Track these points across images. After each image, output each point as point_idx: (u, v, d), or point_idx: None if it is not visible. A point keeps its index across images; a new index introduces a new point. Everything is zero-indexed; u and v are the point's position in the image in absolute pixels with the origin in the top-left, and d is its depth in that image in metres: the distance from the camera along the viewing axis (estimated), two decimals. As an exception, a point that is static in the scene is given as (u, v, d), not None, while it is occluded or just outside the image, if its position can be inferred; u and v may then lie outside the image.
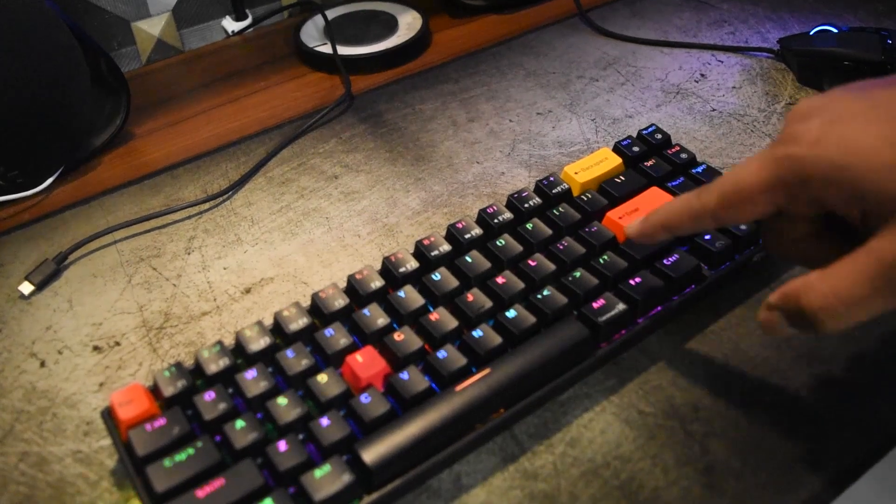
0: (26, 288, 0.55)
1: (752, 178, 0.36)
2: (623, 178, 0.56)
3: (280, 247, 0.58)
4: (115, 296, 0.55)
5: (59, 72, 0.62)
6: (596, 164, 0.57)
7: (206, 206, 0.62)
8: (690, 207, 0.40)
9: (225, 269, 0.56)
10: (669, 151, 0.59)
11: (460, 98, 0.74)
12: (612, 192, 0.55)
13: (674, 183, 0.56)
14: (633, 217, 0.52)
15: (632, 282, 0.48)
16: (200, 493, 0.38)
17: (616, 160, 0.58)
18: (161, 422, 0.41)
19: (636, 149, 0.59)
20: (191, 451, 0.40)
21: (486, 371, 0.43)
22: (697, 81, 0.74)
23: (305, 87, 0.78)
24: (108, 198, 0.64)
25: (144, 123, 0.73)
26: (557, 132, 0.69)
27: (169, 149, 0.70)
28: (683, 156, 0.58)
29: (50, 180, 0.65)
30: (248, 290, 0.54)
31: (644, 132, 0.60)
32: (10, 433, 0.46)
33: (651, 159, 0.58)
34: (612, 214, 0.53)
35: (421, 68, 0.79)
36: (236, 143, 0.70)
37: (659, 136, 0.60)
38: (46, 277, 0.56)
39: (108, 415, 0.43)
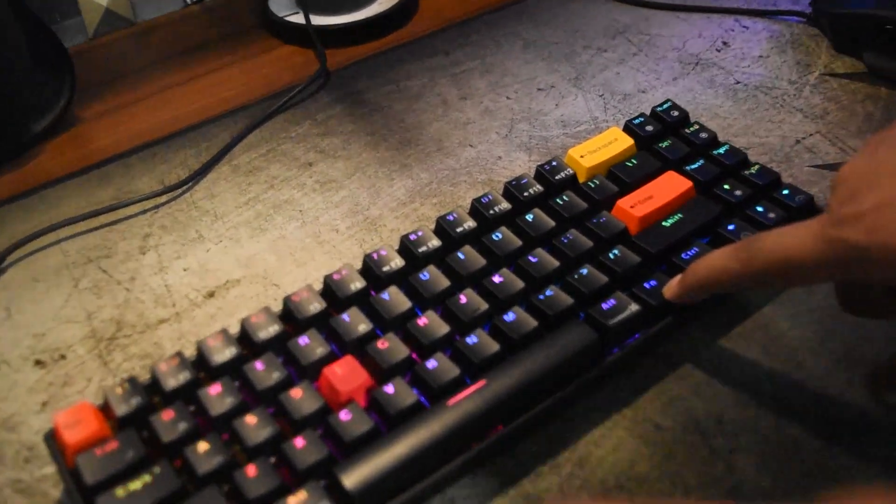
0: (-42, 295, 0.55)
1: (805, 254, 0.37)
2: (635, 162, 0.56)
3: (247, 244, 0.58)
4: (59, 302, 0.54)
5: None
6: (604, 146, 0.57)
7: (163, 198, 0.62)
8: (731, 271, 0.41)
9: (185, 270, 0.56)
10: (687, 130, 0.59)
11: (451, 73, 0.74)
12: (622, 177, 0.55)
13: (692, 166, 0.56)
14: (646, 206, 0.52)
15: (647, 285, 0.48)
16: (159, 525, 0.38)
17: (627, 141, 0.58)
18: (113, 445, 0.41)
19: (650, 128, 0.59)
20: (147, 477, 0.39)
21: (481, 383, 0.43)
22: (719, 50, 0.74)
23: (275, 62, 0.78)
24: (50, 190, 0.64)
25: (92, 105, 0.73)
26: (561, 110, 0.68)
27: (120, 134, 0.69)
28: (703, 135, 0.58)
29: (-16, 172, 0.65)
30: (211, 294, 0.54)
31: (658, 109, 0.60)
32: (-58, 460, 0.46)
33: (667, 140, 0.58)
34: (623, 203, 0.53)
35: (406, 40, 0.79)
36: (197, 126, 0.69)
37: (675, 113, 0.60)
38: (-19, 282, 0.56)
39: (52, 438, 0.43)
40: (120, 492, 0.39)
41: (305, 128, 0.68)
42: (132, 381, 0.43)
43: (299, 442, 0.41)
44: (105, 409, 0.43)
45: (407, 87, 0.73)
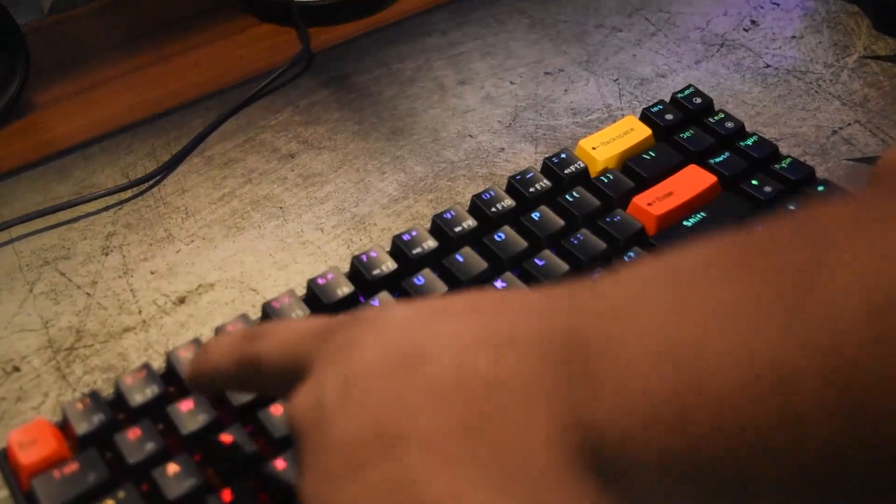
0: None
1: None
2: (653, 154, 0.57)
3: (222, 245, 0.58)
4: (12, 308, 0.55)
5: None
6: (619, 137, 0.58)
7: (128, 193, 0.62)
8: (227, 373, 0.39)
9: (152, 273, 0.57)
10: (712, 120, 0.59)
11: (448, 54, 0.74)
12: (639, 171, 0.56)
13: (717, 159, 0.56)
14: (665, 203, 0.53)
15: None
16: (124, 556, 0.38)
17: (644, 131, 0.58)
18: (73, 467, 0.41)
19: (670, 116, 0.60)
20: (111, 503, 0.40)
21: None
22: (747, 30, 0.75)
23: (252, 42, 0.78)
24: (1, 184, 0.64)
25: (48, 90, 0.74)
26: (571, 96, 0.69)
27: (79, 122, 0.70)
28: (730, 125, 0.59)
29: (-72, 163, 0.65)
30: (181, 300, 0.55)
31: (679, 95, 0.61)
32: None
33: (689, 130, 0.58)
34: (640, 200, 0.53)
35: (398, 17, 0.80)
36: (165, 114, 0.70)
37: (698, 99, 0.61)
38: (-75, 286, 0.56)
39: (5, 458, 0.43)
40: (81, 518, 0.39)
41: (286, 115, 0.69)
42: (94, 395, 0.44)
43: (280, 463, 0.41)
44: (64, 426, 0.44)
45: (399, 70, 0.73)
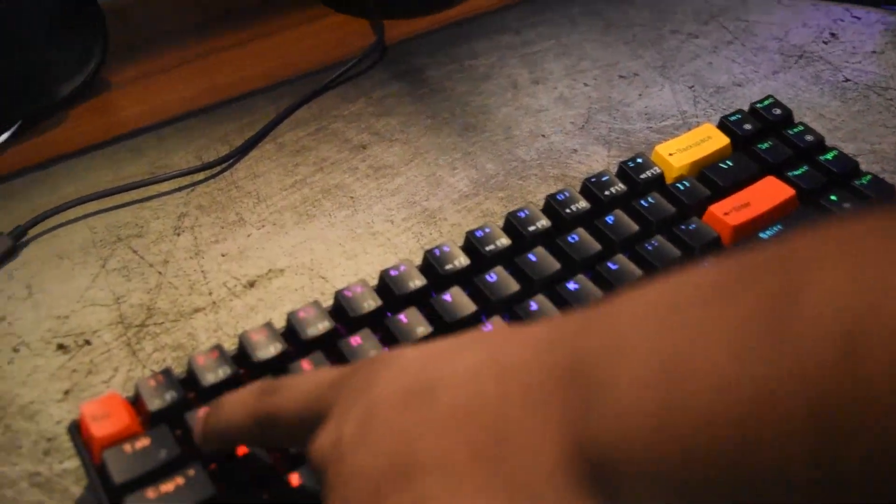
0: (-25, 268, 0.56)
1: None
2: (731, 164, 0.56)
3: (293, 231, 0.59)
4: (85, 283, 0.56)
5: (16, 1, 0.63)
6: (696, 144, 0.57)
7: (201, 176, 0.63)
8: (246, 431, 0.39)
9: (223, 255, 0.57)
10: (791, 132, 0.59)
11: (521, 53, 0.75)
12: (716, 180, 0.55)
13: (796, 172, 0.56)
14: (742, 213, 0.53)
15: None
16: (192, 532, 0.39)
17: (722, 140, 0.58)
18: (144, 442, 0.42)
19: (748, 126, 0.59)
20: (180, 480, 0.40)
21: None
22: (826, 42, 0.74)
23: (326, 31, 0.79)
24: (76, 161, 0.65)
25: (124, 70, 0.75)
26: (645, 101, 0.69)
27: (154, 102, 0.71)
28: (809, 138, 0.58)
29: (4, 136, 0.66)
30: (251, 284, 0.55)
31: (759, 105, 0.61)
32: (-47, 447, 0.47)
33: (767, 141, 0.58)
34: (716, 209, 0.53)
35: (473, 13, 0.80)
36: (239, 98, 0.71)
37: (777, 111, 0.60)
38: (0, 256, 0.57)
39: (77, 430, 0.44)
40: (150, 493, 0.40)
41: (359, 106, 0.69)
42: (167, 373, 0.44)
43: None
44: (136, 402, 0.44)
45: (472, 66, 0.73)
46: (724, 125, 0.60)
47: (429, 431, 0.30)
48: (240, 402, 0.38)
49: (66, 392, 0.50)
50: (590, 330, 0.30)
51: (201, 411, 0.42)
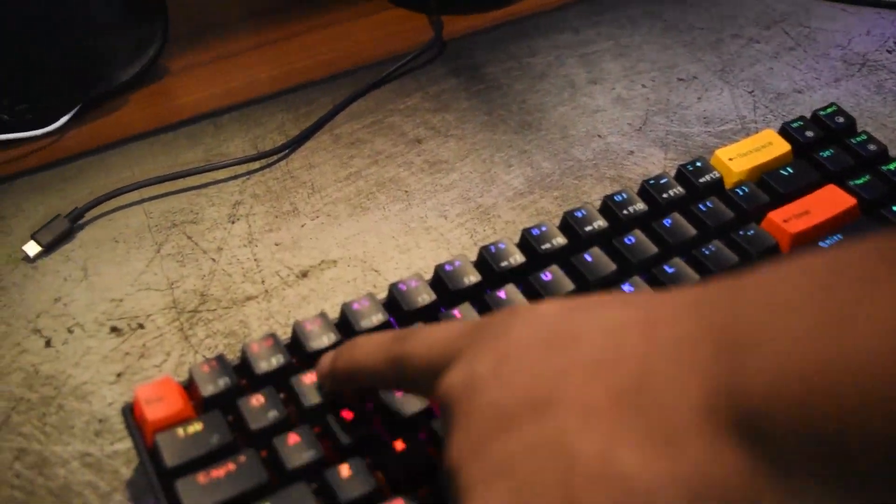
0: (32, 249, 0.57)
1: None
2: (791, 171, 0.56)
3: (346, 223, 0.59)
4: (139, 267, 0.56)
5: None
6: (757, 150, 0.57)
7: (257, 165, 0.64)
8: (379, 372, 0.40)
9: (277, 245, 0.57)
10: (854, 140, 0.58)
11: (580, 53, 0.74)
12: (776, 186, 0.55)
13: (857, 181, 0.55)
14: (801, 221, 0.52)
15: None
16: (242, 519, 0.39)
17: (783, 146, 0.57)
18: (197, 427, 0.42)
19: (810, 133, 0.59)
20: (231, 466, 0.40)
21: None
22: (890, 52, 0.73)
23: (385, 25, 0.79)
24: (134, 146, 0.66)
25: (183, 56, 0.75)
26: (704, 105, 0.68)
27: (212, 90, 0.71)
28: (872, 147, 0.58)
29: (64, 119, 0.67)
30: (304, 274, 0.55)
31: (821, 113, 0.60)
32: (6, 424, 0.48)
33: (829, 149, 0.57)
34: (776, 216, 0.53)
35: (532, 11, 0.80)
36: (297, 88, 0.71)
37: (840, 118, 0.60)
38: (57, 237, 0.58)
39: (130, 412, 0.44)
40: (201, 478, 0.40)
41: (416, 101, 0.69)
42: (221, 359, 0.45)
43: (399, 445, 0.41)
44: (189, 387, 0.45)
45: (530, 64, 0.73)
46: (785, 131, 0.59)
47: (568, 376, 0.30)
48: (375, 344, 0.40)
49: (119, 374, 0.50)
50: (745, 289, 0.29)
51: (327, 354, 0.43)
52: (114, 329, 0.52)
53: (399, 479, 0.41)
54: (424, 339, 0.37)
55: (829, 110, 0.60)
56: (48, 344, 0.52)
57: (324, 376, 0.43)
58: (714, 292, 0.30)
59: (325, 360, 0.43)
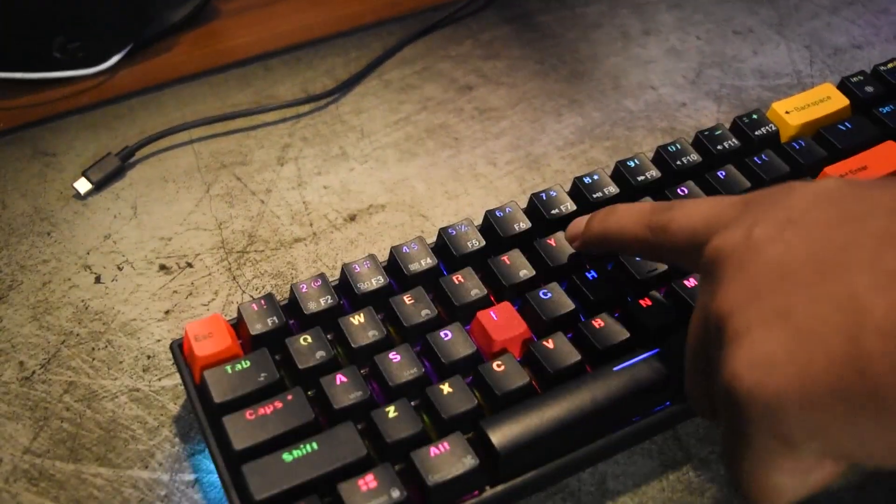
0: (83, 186, 0.57)
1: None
2: (850, 126, 0.54)
3: (395, 168, 0.58)
4: (189, 206, 0.56)
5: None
6: (815, 104, 0.56)
7: (306, 108, 0.63)
8: (641, 239, 0.41)
9: (325, 188, 0.57)
10: (915, 97, 0.57)
11: (634, 3, 0.73)
12: (833, 141, 0.53)
13: (917, 138, 0.54)
14: (858, 177, 0.51)
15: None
16: (289, 456, 0.39)
17: (842, 101, 0.56)
18: (245, 364, 0.42)
19: (869, 89, 0.57)
20: (278, 404, 0.40)
21: (654, 351, 0.43)
22: (953, 9, 0.71)
23: (436, -29, 0.78)
24: (184, 87, 0.66)
25: (234, -1, 0.75)
26: (759, 59, 0.67)
27: (262, 33, 0.70)
28: (933, 104, 0.56)
29: (116, 58, 0.67)
30: (352, 217, 0.55)
31: (882, 68, 0.58)
32: (56, 357, 0.48)
33: (889, 104, 0.56)
34: (832, 171, 0.51)
35: (586, -40, 0.78)
36: (347, 33, 0.70)
37: (902, 74, 0.58)
38: (107, 175, 0.58)
39: (179, 349, 0.44)
40: (249, 414, 0.40)
41: (467, 48, 0.68)
42: (269, 298, 0.44)
43: (446, 388, 0.41)
44: (237, 325, 0.44)
45: (584, 13, 0.72)
46: (844, 86, 0.58)
47: (859, 245, 0.29)
48: (636, 211, 0.41)
49: (167, 312, 0.50)
50: None
51: (580, 218, 0.45)
52: (162, 267, 0.52)
53: (446, 423, 0.40)
54: (690, 209, 0.37)
55: (890, 65, 0.58)
56: (98, 280, 0.52)
57: (574, 237, 0.45)
58: None
59: (579, 223, 0.45)
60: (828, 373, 0.27)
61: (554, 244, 0.47)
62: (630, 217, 0.41)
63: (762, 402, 0.29)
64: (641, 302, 0.45)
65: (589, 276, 0.46)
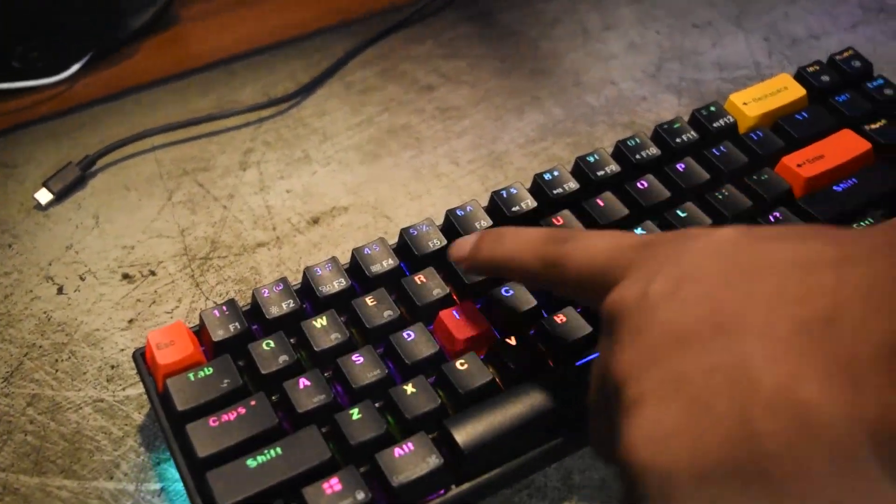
0: (44, 196, 0.56)
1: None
2: (807, 116, 0.55)
3: (357, 170, 0.58)
4: (151, 214, 0.56)
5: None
6: (772, 94, 0.56)
7: (268, 112, 0.63)
8: (531, 270, 0.40)
9: (288, 192, 0.57)
10: (870, 85, 0.57)
11: (594, -1, 0.73)
12: (790, 131, 0.54)
13: (873, 126, 0.54)
14: (815, 166, 0.51)
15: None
16: (253, 462, 0.38)
17: (799, 91, 0.56)
18: (208, 371, 0.41)
19: (826, 78, 0.57)
20: (242, 410, 0.40)
21: (616, 345, 0.43)
22: (909, -3, 0.72)
23: (397, -28, 0.78)
24: (146, 93, 0.65)
25: (195, 4, 0.74)
26: (718, 51, 0.67)
27: (224, 38, 0.70)
28: (889, 92, 0.56)
29: (76, 67, 0.66)
30: (315, 221, 0.55)
31: (837, 58, 0.58)
32: (19, 370, 0.47)
33: (845, 93, 0.56)
34: (790, 161, 0.51)
35: (545, -42, 0.78)
36: (308, 36, 0.70)
37: (857, 63, 0.58)
38: (68, 185, 0.57)
39: (142, 357, 0.44)
40: (212, 421, 0.40)
41: (428, 48, 0.68)
42: (232, 304, 0.44)
43: (409, 388, 0.41)
44: (200, 332, 0.44)
45: (544, 10, 0.72)
46: (801, 76, 0.58)
47: (753, 304, 0.29)
48: (527, 240, 0.39)
49: (131, 321, 0.50)
50: None
51: (465, 239, 0.43)
52: (125, 276, 0.52)
53: (410, 423, 0.40)
54: (586, 247, 0.37)
55: (845, 55, 0.59)
56: (60, 291, 0.51)
57: (461, 259, 0.43)
58: (877, 230, 0.30)
59: (464, 244, 0.43)
60: (720, 448, 0.27)
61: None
62: (520, 245, 0.40)
63: (656, 477, 0.29)
64: (603, 297, 0.45)
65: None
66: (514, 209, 0.49)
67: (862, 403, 0.26)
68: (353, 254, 0.46)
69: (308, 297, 0.46)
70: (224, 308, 0.44)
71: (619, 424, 0.30)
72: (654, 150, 0.52)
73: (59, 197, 0.57)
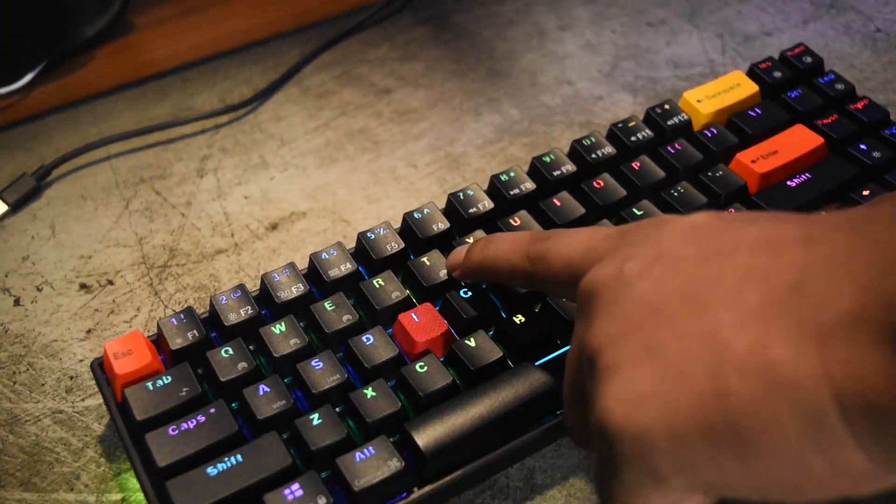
0: (-1, 207, 0.56)
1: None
2: (759, 112, 0.55)
3: (315, 175, 0.58)
4: (108, 223, 0.55)
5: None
6: (725, 92, 0.56)
7: (225, 118, 0.62)
8: (518, 270, 0.41)
9: (246, 198, 0.57)
10: (821, 80, 0.57)
11: (549, -1, 0.73)
12: (744, 127, 0.54)
13: (824, 121, 0.54)
14: (769, 161, 0.52)
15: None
16: (213, 470, 0.38)
17: (751, 87, 0.57)
18: (166, 380, 0.41)
19: (778, 74, 0.58)
20: (201, 418, 0.40)
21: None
22: (859, -7, 0.72)
23: (352, -25, 0.78)
24: (100, 102, 0.65)
25: (149, 11, 0.74)
26: (673, 49, 0.67)
27: (178, 45, 0.70)
28: (840, 87, 0.57)
29: (29, 77, 0.66)
30: (273, 226, 0.55)
31: (789, 54, 0.59)
32: (-23, 384, 0.47)
33: (797, 89, 0.57)
34: (744, 157, 0.52)
35: (500, -41, 0.79)
36: (264, 42, 0.70)
37: (808, 59, 0.59)
38: (23, 196, 0.57)
39: (100, 368, 0.43)
40: (172, 430, 0.39)
41: (384, 51, 0.68)
42: (189, 312, 0.44)
43: (370, 392, 0.41)
44: (158, 341, 0.44)
45: (499, 12, 0.72)
46: (753, 73, 0.58)
47: (724, 279, 0.30)
48: (514, 241, 0.41)
49: (89, 331, 0.49)
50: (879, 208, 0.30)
51: (461, 247, 0.45)
52: (83, 286, 0.52)
53: (370, 427, 0.40)
54: (567, 240, 0.38)
55: (796, 51, 0.59)
56: (17, 302, 0.51)
57: (455, 266, 0.44)
58: (877, 212, 0.30)
59: (459, 252, 0.44)
60: (693, 410, 0.29)
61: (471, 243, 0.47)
62: (508, 246, 0.41)
63: (631, 437, 0.30)
64: (561, 296, 0.45)
65: (508, 272, 0.46)
66: (471, 211, 0.49)
67: (827, 365, 0.27)
68: (310, 258, 0.46)
69: (266, 303, 0.45)
70: (182, 316, 0.44)
71: (595, 391, 0.31)
72: (609, 149, 0.52)
73: (15, 208, 0.56)
